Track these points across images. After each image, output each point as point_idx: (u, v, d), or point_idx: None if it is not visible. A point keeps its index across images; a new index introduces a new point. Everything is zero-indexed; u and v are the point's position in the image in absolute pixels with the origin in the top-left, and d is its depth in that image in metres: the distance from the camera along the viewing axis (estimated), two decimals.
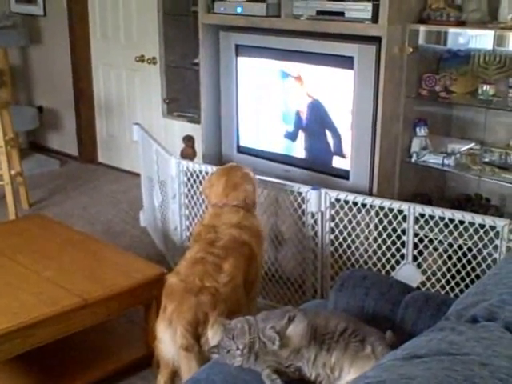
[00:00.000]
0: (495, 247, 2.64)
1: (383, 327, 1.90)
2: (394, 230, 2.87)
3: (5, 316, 2.29)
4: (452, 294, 2.78)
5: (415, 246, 2.83)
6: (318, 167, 3.37)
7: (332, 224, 2.99)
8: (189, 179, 3.38)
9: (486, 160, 3.09)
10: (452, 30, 3.08)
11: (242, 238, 2.55)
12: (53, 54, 5.67)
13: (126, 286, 2.59)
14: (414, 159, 3.19)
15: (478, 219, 2.66)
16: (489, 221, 2.63)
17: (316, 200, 2.95)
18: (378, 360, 1.67)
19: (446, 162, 3.12)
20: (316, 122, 3.37)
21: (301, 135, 3.45)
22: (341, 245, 3.01)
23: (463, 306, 1.44)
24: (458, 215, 2.70)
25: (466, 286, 2.75)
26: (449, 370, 1.02)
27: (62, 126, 5.86)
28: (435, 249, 2.85)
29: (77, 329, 2.46)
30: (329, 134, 3.32)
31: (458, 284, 2.78)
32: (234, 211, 2.64)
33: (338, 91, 3.21)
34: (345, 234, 2.99)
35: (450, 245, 2.79)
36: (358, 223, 2.96)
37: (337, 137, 3.28)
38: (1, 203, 4.55)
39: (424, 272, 2.85)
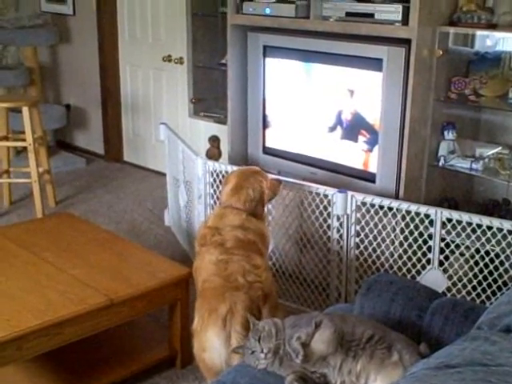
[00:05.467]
0: None
1: (410, 333, 1.89)
2: (421, 234, 2.84)
3: (32, 314, 2.31)
4: (478, 301, 2.75)
5: (441, 251, 2.80)
6: (344, 170, 3.36)
7: (357, 227, 2.97)
8: (215, 180, 3.38)
9: None
10: (483, 33, 3.05)
11: (247, 238, 2.57)
12: (81, 53, 5.72)
13: (152, 285, 2.60)
14: (441, 163, 3.15)
15: (507, 225, 2.62)
16: None
17: (342, 203, 2.93)
18: (405, 367, 1.66)
19: (474, 166, 3.08)
20: (343, 125, 3.35)
21: (327, 137, 3.44)
22: (366, 248, 2.99)
23: (496, 314, 1.42)
24: (485, 220, 2.67)
25: (493, 293, 2.72)
26: (483, 382, 1.00)
27: (88, 125, 5.91)
28: (462, 254, 2.82)
29: (102, 328, 2.47)
30: (356, 137, 3.30)
31: (484, 290, 2.75)
32: (236, 213, 2.66)
33: (367, 93, 3.19)
34: (370, 237, 2.97)
35: (477, 250, 2.76)
36: (384, 227, 2.94)
37: (364, 139, 3.27)
38: (28, 201, 4.61)
39: (450, 278, 2.82)
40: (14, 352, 2.24)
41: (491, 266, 2.72)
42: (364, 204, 2.93)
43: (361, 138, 3.28)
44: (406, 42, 2.94)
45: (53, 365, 2.64)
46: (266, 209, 2.89)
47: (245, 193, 2.71)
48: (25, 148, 4.44)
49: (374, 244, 2.97)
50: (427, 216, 2.79)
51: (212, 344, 2.25)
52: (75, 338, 2.40)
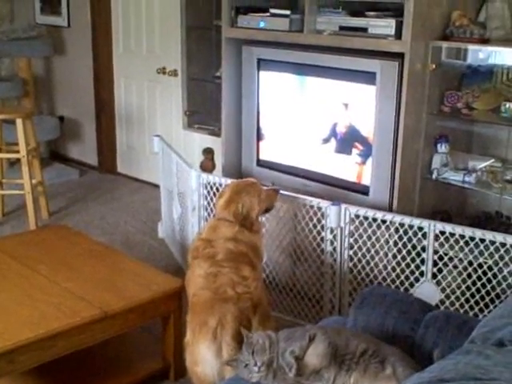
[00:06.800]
0: None
1: (403, 346, 1.90)
2: (414, 246, 2.85)
3: (25, 327, 2.30)
4: (471, 313, 2.76)
5: (435, 263, 2.81)
6: (338, 182, 3.37)
7: (351, 240, 2.98)
8: (209, 192, 3.39)
9: (508, 178, 3.07)
10: (475, 47, 3.07)
11: (239, 250, 2.58)
12: (76, 64, 5.73)
13: (146, 298, 2.60)
14: (434, 176, 3.17)
15: (499, 237, 2.64)
16: (510, 239, 2.61)
17: (336, 215, 2.94)
18: (398, 381, 1.66)
19: (467, 179, 3.10)
20: (337, 137, 3.37)
21: (321, 150, 3.45)
22: (359, 261, 3.00)
23: (489, 328, 1.43)
24: (478, 233, 2.69)
25: (486, 305, 2.73)
26: None
27: (82, 136, 5.91)
28: (455, 267, 2.83)
29: (96, 340, 2.46)
30: (350, 149, 3.32)
31: (477, 303, 2.76)
32: (228, 225, 2.66)
33: (360, 107, 3.21)
34: (364, 250, 2.98)
35: (470, 263, 2.77)
36: (378, 239, 2.95)
37: (358, 152, 3.28)
38: (21, 212, 4.59)
39: (443, 290, 2.83)
40: (7, 365, 2.22)
41: (484, 279, 2.73)
42: (357, 217, 2.94)
43: (354, 151, 3.29)
44: (399, 56, 2.96)
45: (46, 378, 2.62)
46: (261, 220, 2.89)
47: (234, 206, 2.72)
48: (18, 159, 4.44)
49: (368, 257, 2.97)
50: (420, 229, 2.80)
51: (204, 357, 2.25)
52: (68, 350, 2.39)
